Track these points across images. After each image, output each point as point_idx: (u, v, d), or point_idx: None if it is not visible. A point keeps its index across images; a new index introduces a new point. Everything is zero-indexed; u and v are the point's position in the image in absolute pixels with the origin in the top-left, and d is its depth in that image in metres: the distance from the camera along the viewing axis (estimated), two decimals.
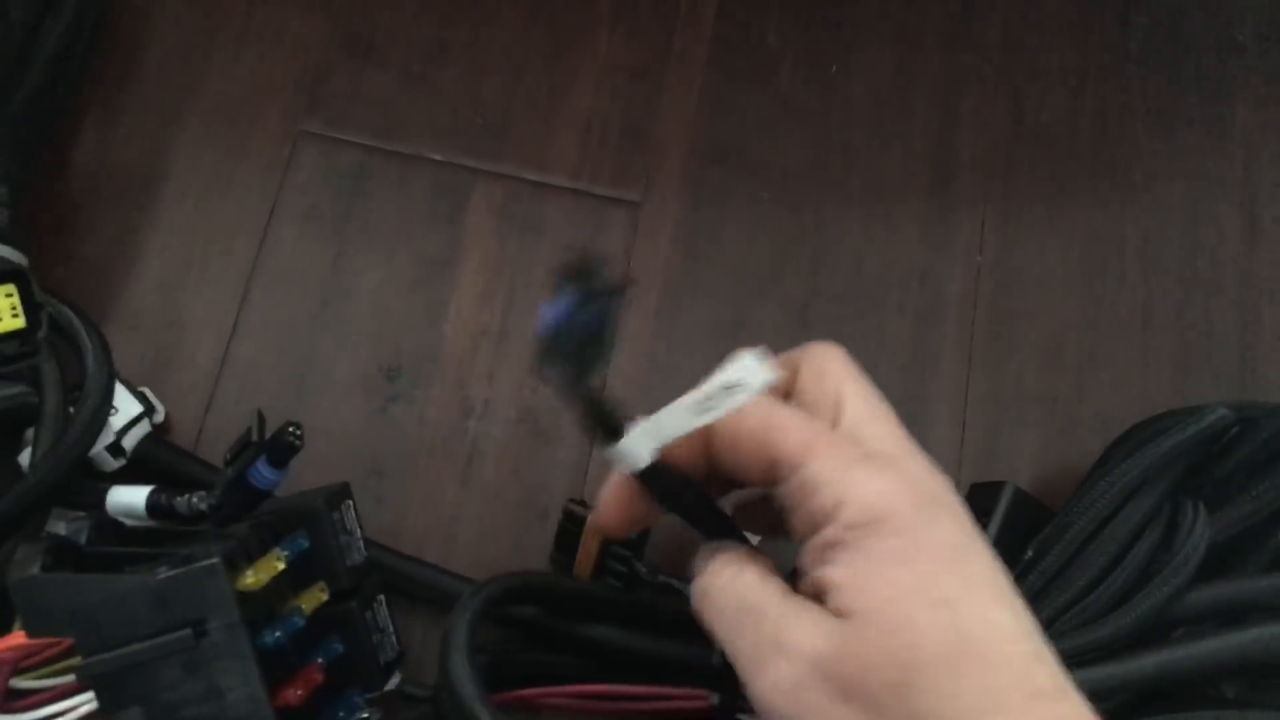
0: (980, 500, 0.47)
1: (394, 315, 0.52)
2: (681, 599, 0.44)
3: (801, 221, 0.55)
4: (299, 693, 0.36)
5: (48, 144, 0.52)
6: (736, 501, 0.34)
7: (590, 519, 0.45)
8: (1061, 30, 0.60)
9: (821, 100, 0.57)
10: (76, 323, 0.44)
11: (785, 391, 0.30)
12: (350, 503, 0.42)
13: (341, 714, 0.39)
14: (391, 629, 0.42)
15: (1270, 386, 0.54)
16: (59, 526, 0.42)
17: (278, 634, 0.35)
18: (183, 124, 0.54)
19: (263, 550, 0.37)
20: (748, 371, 0.27)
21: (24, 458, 0.42)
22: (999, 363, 0.54)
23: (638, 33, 0.57)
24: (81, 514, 0.42)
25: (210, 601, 0.34)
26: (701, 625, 0.30)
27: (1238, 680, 0.46)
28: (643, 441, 0.28)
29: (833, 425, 0.29)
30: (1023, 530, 0.45)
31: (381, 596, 0.42)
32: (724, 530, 0.31)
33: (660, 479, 0.29)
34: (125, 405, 0.45)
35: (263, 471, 0.39)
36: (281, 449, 0.38)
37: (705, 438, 0.30)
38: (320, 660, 0.38)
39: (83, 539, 0.39)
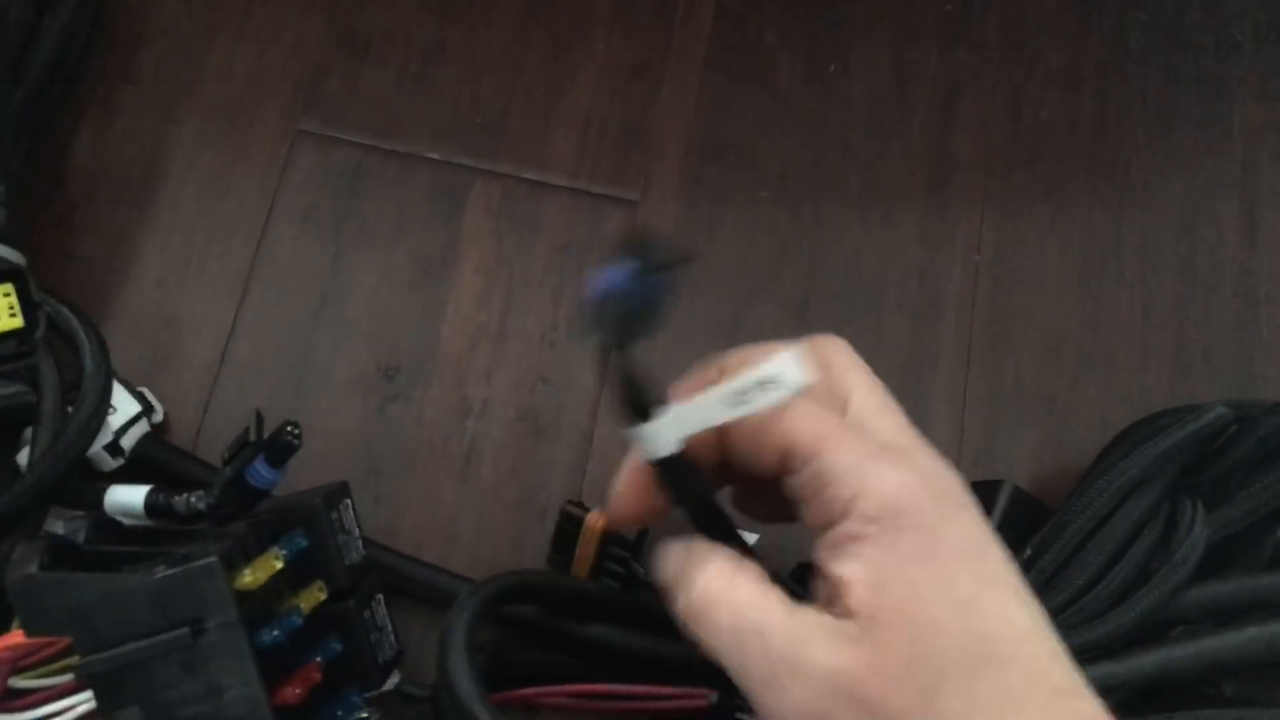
0: (979, 499, 0.47)
1: (392, 314, 0.52)
2: None
3: (800, 220, 0.55)
4: (297, 691, 0.36)
5: (46, 143, 0.52)
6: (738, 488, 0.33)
7: (590, 518, 0.45)
8: (1060, 29, 0.60)
9: (820, 99, 0.57)
10: (74, 322, 0.44)
11: (717, 438, 0.29)
12: (348, 502, 0.42)
13: (340, 713, 0.39)
14: (390, 628, 0.42)
15: (1269, 385, 0.54)
16: (57, 526, 0.42)
17: (276, 633, 0.35)
18: (181, 123, 0.54)
19: (261, 549, 0.37)
20: (786, 370, 0.27)
21: (22, 457, 0.42)
22: (997, 361, 0.54)
23: (636, 31, 0.57)
24: (79, 513, 0.42)
25: (208, 600, 0.34)
26: (693, 640, 0.28)
27: (1237, 678, 0.46)
28: (670, 428, 0.27)
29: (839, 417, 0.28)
30: (1021, 529, 0.45)
31: (380, 596, 0.42)
32: (727, 534, 0.30)
33: (679, 471, 0.28)
34: (124, 405, 0.45)
35: (261, 471, 0.39)
36: (279, 448, 0.38)
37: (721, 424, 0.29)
38: (318, 659, 0.38)
39: (81, 538, 0.39)
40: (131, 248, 0.52)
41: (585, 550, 0.45)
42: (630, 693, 0.43)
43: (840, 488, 0.26)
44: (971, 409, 0.53)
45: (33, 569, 0.36)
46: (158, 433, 0.48)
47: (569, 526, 0.45)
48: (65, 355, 0.44)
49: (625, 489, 0.30)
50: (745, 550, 0.29)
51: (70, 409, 0.42)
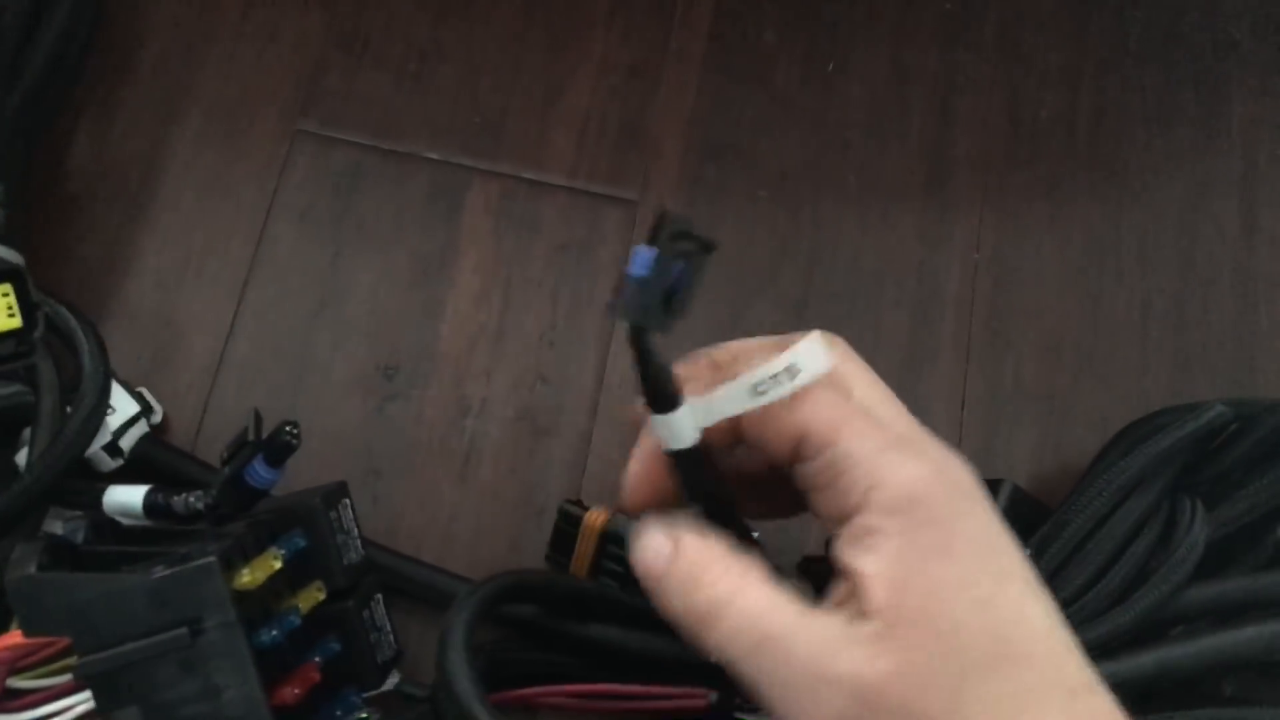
0: None
1: (391, 314, 0.52)
2: None
3: (798, 219, 0.55)
4: (296, 691, 0.36)
5: (44, 143, 0.52)
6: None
7: (589, 517, 0.45)
8: (1058, 28, 0.60)
9: (818, 98, 0.57)
10: (73, 322, 0.44)
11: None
12: (347, 502, 0.42)
13: (339, 713, 0.39)
14: (389, 628, 0.42)
15: (1268, 383, 0.54)
16: (56, 526, 0.42)
17: (274, 633, 0.35)
18: (179, 123, 0.54)
19: (259, 549, 0.37)
20: (812, 355, 0.26)
21: (20, 457, 0.42)
22: (996, 360, 0.54)
23: (634, 31, 0.57)
24: (78, 513, 0.42)
25: (206, 600, 0.34)
26: (700, 647, 0.27)
27: (1237, 677, 0.46)
28: (690, 419, 0.26)
29: None
30: (1020, 528, 0.45)
31: (379, 595, 0.42)
32: (739, 531, 0.28)
33: (695, 462, 0.27)
34: (122, 405, 0.45)
35: (259, 471, 0.39)
36: (278, 448, 0.38)
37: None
38: (317, 659, 0.38)
39: (79, 538, 0.39)
40: (130, 248, 0.52)
41: (584, 549, 0.45)
42: (629, 692, 0.43)
43: (856, 477, 0.25)
44: (970, 408, 0.52)
45: (31, 569, 0.36)
46: (157, 433, 0.47)
47: (567, 526, 0.45)
48: (64, 355, 0.44)
49: (638, 476, 0.29)
50: (750, 542, 0.28)
51: (69, 409, 0.42)
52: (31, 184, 0.51)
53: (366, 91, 0.55)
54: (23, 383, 0.42)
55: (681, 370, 0.28)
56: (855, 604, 0.25)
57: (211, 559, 0.34)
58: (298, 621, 0.37)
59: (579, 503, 0.46)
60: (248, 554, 0.36)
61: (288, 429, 0.38)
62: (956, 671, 0.23)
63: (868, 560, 0.25)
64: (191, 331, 0.51)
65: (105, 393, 0.43)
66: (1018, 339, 0.54)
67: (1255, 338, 0.55)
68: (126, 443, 0.45)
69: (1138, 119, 0.59)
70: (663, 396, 0.26)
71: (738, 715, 0.42)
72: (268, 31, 0.55)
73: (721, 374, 0.28)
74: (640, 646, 0.43)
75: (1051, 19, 0.60)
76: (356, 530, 0.42)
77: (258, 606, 0.36)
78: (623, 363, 0.51)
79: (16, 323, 0.41)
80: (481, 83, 0.56)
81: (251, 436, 0.39)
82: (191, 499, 0.39)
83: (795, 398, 0.26)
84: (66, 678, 0.35)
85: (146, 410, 0.46)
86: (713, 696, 0.42)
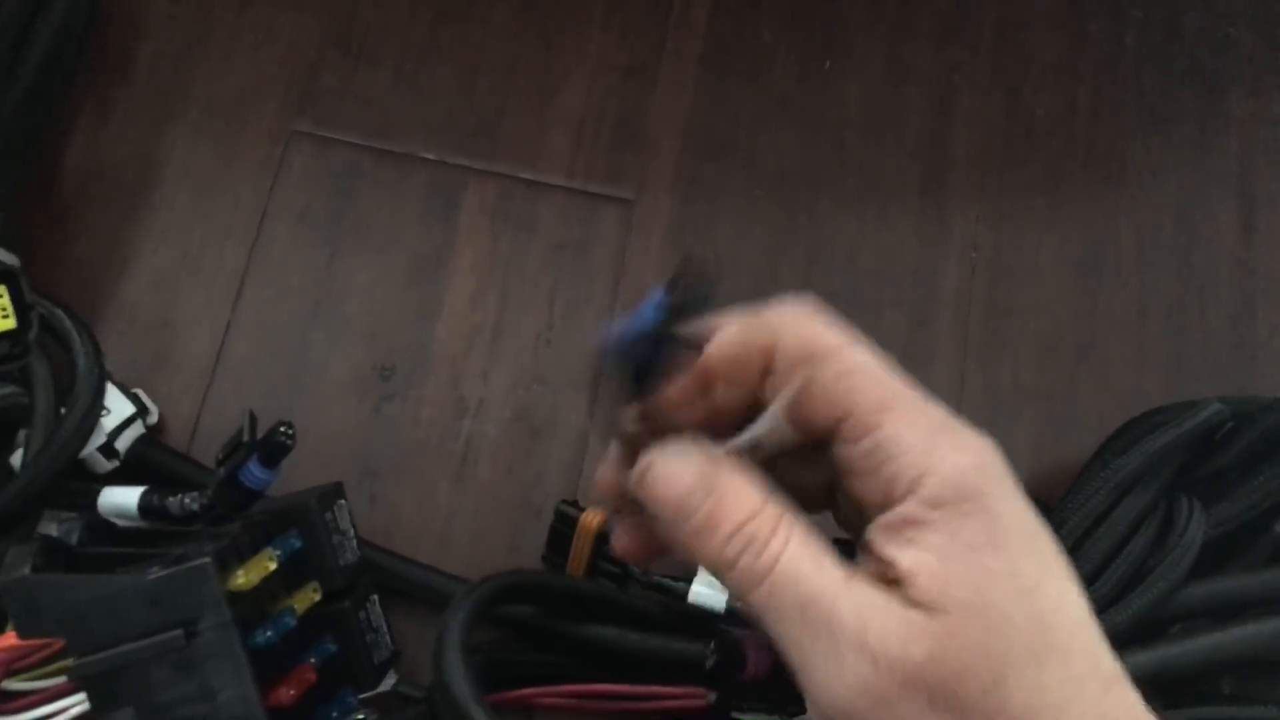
0: None
1: (387, 314, 0.52)
2: (676, 598, 0.44)
3: (795, 218, 0.55)
4: (291, 693, 0.36)
5: (39, 144, 0.52)
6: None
7: (585, 518, 0.45)
8: (1055, 25, 0.60)
9: (815, 97, 0.57)
10: (68, 323, 0.44)
11: (763, 366, 0.26)
12: (343, 502, 0.41)
13: (335, 714, 0.39)
14: (385, 629, 0.42)
15: (1266, 382, 0.54)
16: (51, 527, 0.42)
17: (269, 634, 0.35)
18: (175, 124, 0.54)
19: (255, 550, 0.37)
20: (767, 425, 0.25)
21: (15, 459, 0.42)
22: (994, 358, 0.54)
23: (630, 30, 0.57)
24: (73, 515, 0.42)
25: (201, 601, 0.34)
26: (724, 583, 0.25)
27: (1235, 675, 0.46)
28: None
29: None
30: None
31: (375, 596, 0.42)
32: None
33: None
34: (118, 406, 0.45)
35: (254, 471, 0.39)
36: (273, 449, 0.38)
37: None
38: (313, 660, 0.38)
39: (74, 540, 0.39)
40: (126, 248, 0.52)
41: (580, 550, 0.45)
42: (627, 693, 0.43)
43: (903, 465, 0.24)
44: (968, 406, 0.52)
45: (26, 571, 0.35)
46: (153, 434, 0.47)
47: (564, 526, 0.45)
48: (59, 357, 0.44)
49: (612, 499, 0.28)
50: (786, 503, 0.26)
51: (63, 410, 0.42)
52: (27, 185, 0.51)
53: (363, 91, 0.55)
54: (17, 384, 0.42)
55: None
56: (897, 592, 0.24)
57: (206, 560, 0.34)
58: (293, 622, 0.37)
59: (575, 503, 0.46)
60: (243, 555, 0.36)
61: (283, 430, 0.38)
62: (1000, 660, 0.23)
63: (910, 554, 0.24)
64: (187, 332, 0.51)
65: (100, 394, 0.43)
66: (1015, 338, 0.54)
67: (1252, 336, 0.55)
68: (122, 444, 0.45)
69: (1135, 118, 0.59)
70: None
71: (735, 716, 0.42)
72: (264, 31, 0.55)
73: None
74: (637, 646, 0.43)
75: (1049, 17, 0.60)
76: (352, 531, 0.42)
77: (253, 607, 0.36)
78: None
79: (11, 324, 0.41)
80: (478, 83, 0.56)
81: (246, 437, 0.39)
82: (187, 500, 0.39)
83: (838, 376, 0.25)
84: (61, 680, 0.35)
85: (142, 411, 0.46)
86: (711, 697, 0.42)
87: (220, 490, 0.39)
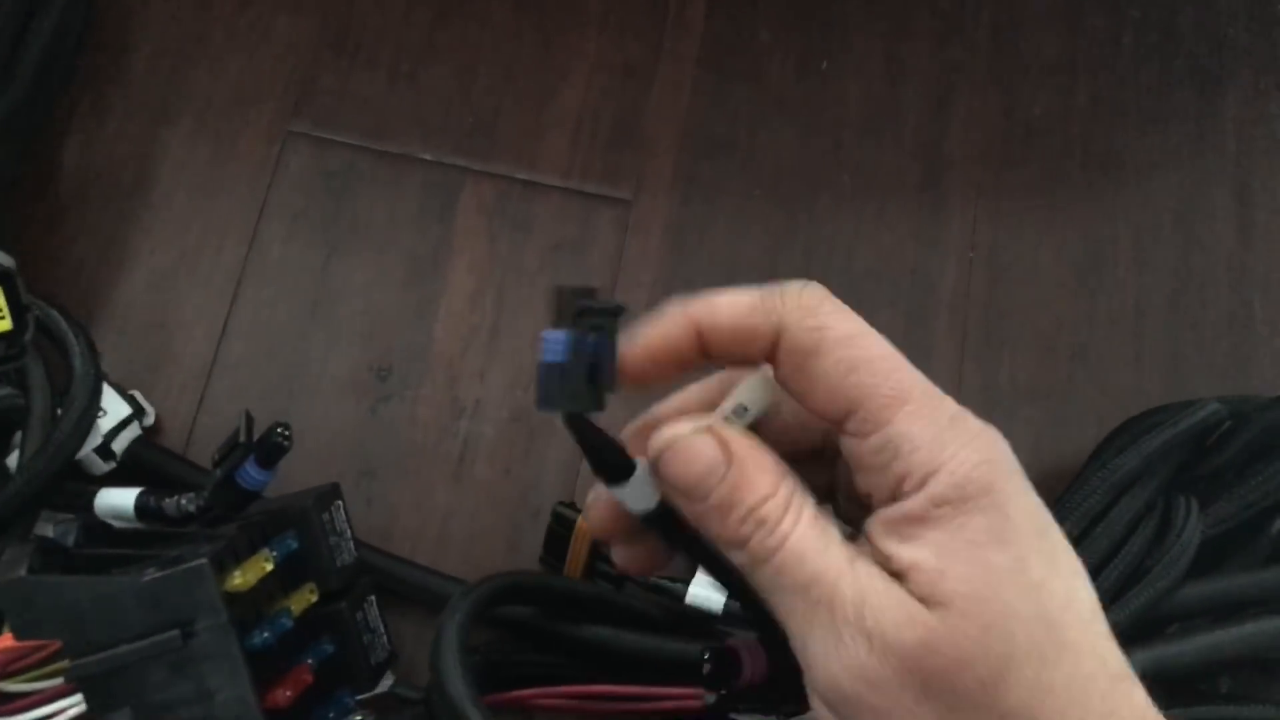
0: None
1: (384, 315, 0.51)
2: (673, 599, 0.44)
3: (793, 218, 0.55)
4: (288, 694, 0.36)
5: (36, 145, 0.52)
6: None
7: (581, 520, 0.45)
8: (1052, 25, 0.60)
9: (813, 97, 0.57)
10: (64, 325, 0.44)
11: (764, 350, 0.25)
12: (340, 503, 0.41)
13: (332, 715, 0.39)
14: (383, 630, 0.42)
15: (1263, 381, 0.54)
16: (47, 529, 0.42)
17: (266, 635, 0.35)
18: (171, 125, 0.54)
19: (251, 551, 0.37)
20: (756, 393, 0.25)
21: (12, 460, 0.42)
22: (992, 358, 0.54)
23: (628, 30, 0.57)
24: (70, 516, 0.42)
25: (198, 602, 0.34)
26: (730, 559, 0.25)
27: (1233, 675, 0.46)
28: (647, 484, 0.25)
29: None
30: None
31: (372, 597, 0.42)
32: (745, 589, 0.26)
33: (665, 519, 0.26)
34: (114, 407, 0.45)
35: (251, 472, 0.39)
36: (269, 450, 0.38)
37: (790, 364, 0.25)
38: (310, 661, 0.38)
39: (71, 541, 0.39)
40: (122, 249, 0.51)
41: (577, 551, 0.45)
42: (624, 693, 0.43)
43: (914, 463, 0.23)
44: (965, 405, 0.52)
45: (22, 572, 0.35)
46: (149, 435, 0.47)
47: (561, 528, 0.45)
48: (55, 358, 0.44)
49: (608, 534, 0.27)
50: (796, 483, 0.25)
51: (59, 412, 0.42)
52: (23, 185, 0.51)
53: (360, 92, 0.55)
54: (13, 386, 0.42)
55: (632, 430, 0.27)
56: (900, 583, 0.24)
57: (203, 561, 0.34)
58: (290, 623, 0.36)
59: (572, 505, 0.46)
60: (240, 556, 0.36)
61: (279, 430, 0.38)
62: (1003, 656, 0.23)
63: (909, 549, 0.23)
64: (184, 333, 0.50)
65: (96, 395, 0.43)
66: (1013, 337, 0.54)
67: (1250, 336, 0.55)
68: (119, 445, 0.45)
69: (1132, 117, 0.59)
70: (615, 468, 0.25)
71: (732, 717, 0.42)
72: (260, 32, 0.55)
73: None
74: (635, 647, 0.43)
75: (1046, 17, 0.60)
76: (349, 532, 0.42)
77: (250, 608, 0.36)
78: None
79: (7, 325, 0.41)
80: (475, 83, 0.55)
81: (243, 438, 0.39)
82: (183, 501, 0.39)
83: (847, 368, 0.24)
84: (58, 681, 0.35)
85: (139, 412, 0.46)
86: (708, 697, 0.42)
87: (217, 491, 0.39)
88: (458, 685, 0.38)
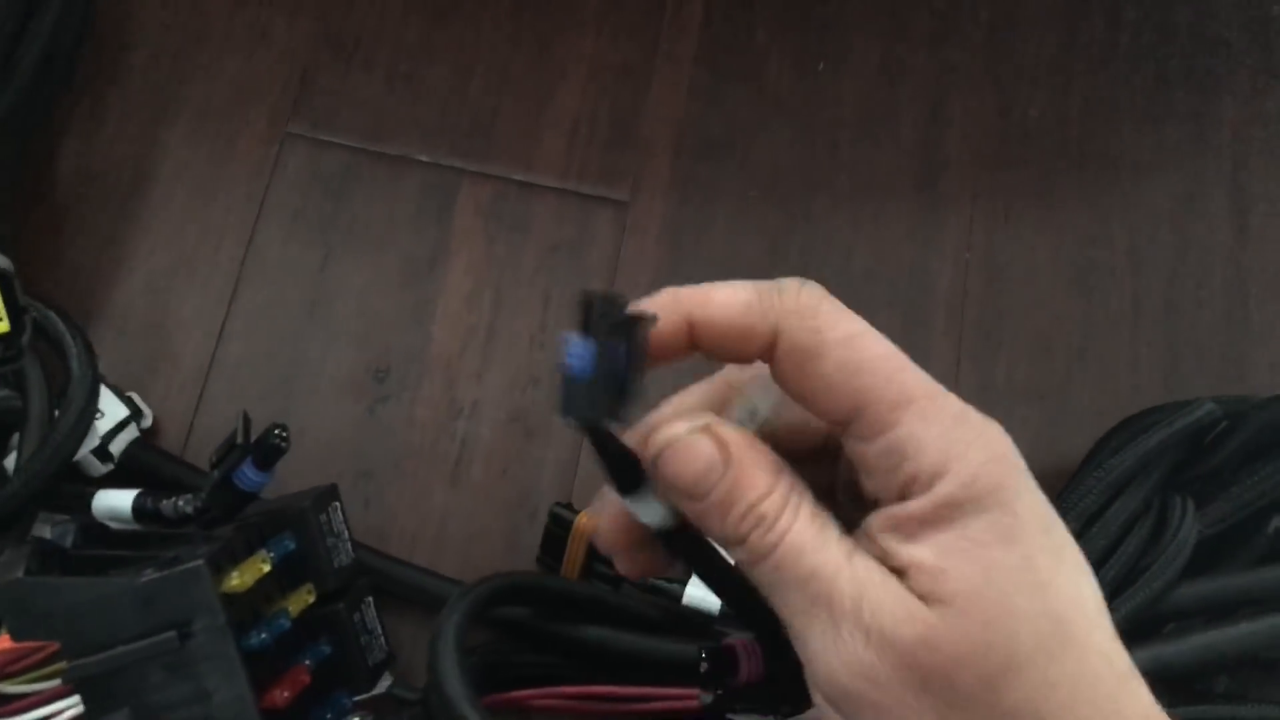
0: None
1: (382, 316, 0.52)
2: (670, 599, 0.44)
3: (790, 219, 0.55)
4: (286, 694, 0.36)
5: (34, 146, 0.52)
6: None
7: (579, 520, 0.45)
8: (1049, 26, 0.60)
9: (809, 97, 0.57)
10: (61, 326, 0.44)
11: (760, 352, 0.25)
12: (338, 504, 0.41)
13: (329, 716, 0.39)
14: (380, 631, 0.42)
15: (1258, 381, 0.54)
16: (45, 530, 0.42)
17: (263, 636, 0.35)
18: (169, 127, 0.54)
19: (249, 552, 0.37)
20: (767, 393, 0.25)
21: (9, 462, 0.42)
22: (988, 358, 0.54)
23: (625, 31, 0.57)
24: (67, 518, 0.42)
25: (196, 603, 0.34)
26: (731, 556, 0.25)
27: (1230, 674, 0.46)
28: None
29: None
30: None
31: (370, 598, 0.42)
32: (749, 602, 0.26)
33: (679, 533, 0.25)
34: (112, 409, 0.45)
35: (248, 474, 0.39)
36: (267, 451, 0.38)
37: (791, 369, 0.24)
38: (308, 662, 0.38)
39: (68, 542, 0.39)
40: (120, 251, 0.52)
41: (574, 552, 0.45)
42: (622, 694, 0.43)
43: (922, 465, 0.23)
44: None
45: (20, 573, 0.36)
46: (147, 437, 0.47)
47: (558, 529, 0.45)
48: (52, 360, 0.44)
49: (617, 546, 0.27)
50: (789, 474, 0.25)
51: (57, 413, 0.42)
52: (20, 187, 0.51)
53: (357, 93, 0.55)
54: (11, 387, 0.42)
55: (635, 437, 0.26)
56: (900, 580, 0.23)
57: (200, 562, 0.34)
58: (287, 624, 0.37)
59: (569, 506, 0.46)
60: (237, 557, 0.36)
61: (276, 432, 0.38)
62: (1005, 655, 0.22)
63: (914, 550, 0.23)
64: (182, 335, 0.51)
65: (93, 396, 0.43)
66: (1009, 337, 0.54)
67: (1246, 336, 0.55)
68: (116, 447, 0.45)
69: (1128, 117, 0.59)
70: (630, 480, 0.25)
71: (729, 717, 0.42)
72: (257, 33, 0.55)
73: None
74: (632, 648, 0.43)
75: (1042, 18, 0.60)
76: (347, 533, 0.42)
77: (247, 610, 0.36)
78: None
79: (4, 327, 0.41)
80: (472, 84, 0.56)
81: (240, 440, 0.39)
82: (181, 503, 0.39)
83: (851, 371, 0.24)
84: (56, 682, 0.35)
85: (136, 414, 0.46)
86: (705, 697, 0.42)
87: (214, 493, 0.39)
88: (455, 686, 0.38)
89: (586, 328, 0.23)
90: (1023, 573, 0.23)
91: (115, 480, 0.44)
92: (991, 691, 0.22)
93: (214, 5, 0.56)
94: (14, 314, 0.41)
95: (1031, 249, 0.56)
